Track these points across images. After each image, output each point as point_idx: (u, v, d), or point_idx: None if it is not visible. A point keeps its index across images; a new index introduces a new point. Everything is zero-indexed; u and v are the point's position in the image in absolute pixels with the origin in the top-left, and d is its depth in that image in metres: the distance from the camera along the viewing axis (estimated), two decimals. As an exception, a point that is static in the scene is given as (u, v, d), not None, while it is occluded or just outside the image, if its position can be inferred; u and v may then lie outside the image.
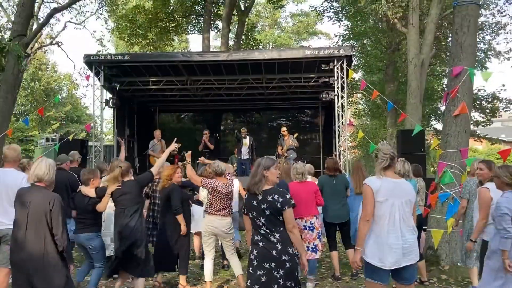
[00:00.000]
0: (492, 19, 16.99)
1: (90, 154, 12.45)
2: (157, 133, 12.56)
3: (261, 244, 3.61)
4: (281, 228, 3.62)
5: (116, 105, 12.25)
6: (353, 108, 26.38)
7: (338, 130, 11.16)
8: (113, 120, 13.27)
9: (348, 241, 6.59)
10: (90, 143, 12.81)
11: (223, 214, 5.55)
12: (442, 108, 11.55)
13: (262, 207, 3.61)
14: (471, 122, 20.47)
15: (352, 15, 18.21)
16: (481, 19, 18.05)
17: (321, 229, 6.20)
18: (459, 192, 6.23)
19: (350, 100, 23.08)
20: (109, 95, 12.41)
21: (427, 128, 20.27)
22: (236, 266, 5.69)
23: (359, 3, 12.47)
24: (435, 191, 6.92)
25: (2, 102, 11.25)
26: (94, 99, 11.78)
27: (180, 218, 5.61)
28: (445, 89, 9.99)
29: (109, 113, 49.50)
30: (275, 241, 3.58)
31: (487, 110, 19.87)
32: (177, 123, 17.58)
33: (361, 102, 26.90)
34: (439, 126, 18.45)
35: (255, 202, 3.66)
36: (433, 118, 21.35)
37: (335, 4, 19.89)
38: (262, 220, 3.61)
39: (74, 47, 44.79)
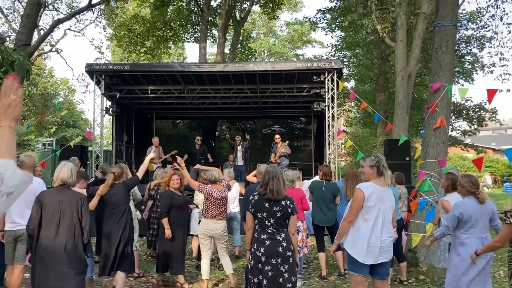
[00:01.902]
0: (478, 33, 17.64)
1: (90, 159, 12.92)
2: (155, 140, 13.02)
3: (267, 242, 4.09)
4: (285, 229, 4.18)
5: (115, 113, 12.70)
6: (345, 116, 26.97)
7: (329, 139, 11.70)
8: (112, 127, 13.72)
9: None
10: (90, 148, 13.27)
11: (218, 218, 6.06)
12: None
13: (274, 209, 4.12)
14: (459, 132, 21.25)
15: (345, 26, 18.80)
16: (469, 32, 18.76)
17: (308, 230, 6.77)
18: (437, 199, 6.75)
19: (342, 108, 23.66)
20: (108, 103, 12.87)
21: (416, 137, 20.84)
22: (228, 266, 6.18)
23: (349, 17, 13.01)
24: (415, 198, 7.46)
25: (6, 109, 11.66)
26: (94, 107, 12.23)
27: (165, 221, 6.04)
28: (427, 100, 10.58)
29: (105, 119, 49.64)
30: (281, 239, 4.10)
31: (474, 120, 20.50)
32: (173, 130, 18.06)
33: (353, 111, 27.50)
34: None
35: (267, 204, 4.14)
36: (421, 127, 21.93)
37: (328, 15, 20.47)
38: (271, 220, 4.11)
39: (72, 52, 45.46)
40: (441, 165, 7.23)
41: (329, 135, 11.70)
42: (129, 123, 15.03)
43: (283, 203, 4.16)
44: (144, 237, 8.69)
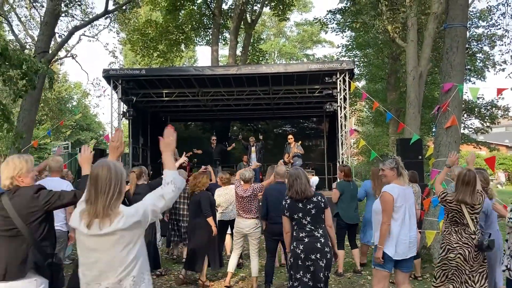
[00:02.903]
0: (489, 31, 17.67)
1: (107, 162, 13.22)
2: (170, 141, 13.27)
3: (306, 239, 4.31)
4: (323, 225, 4.40)
5: (132, 116, 13.01)
6: (356, 116, 27.06)
7: (341, 138, 11.88)
8: (129, 130, 14.03)
9: (353, 242, 7.38)
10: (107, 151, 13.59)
11: (247, 217, 6.32)
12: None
13: (308, 207, 4.35)
14: (471, 129, 21.24)
15: (355, 27, 18.93)
16: (479, 30, 18.79)
17: None
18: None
19: (354, 107, 23.76)
20: (125, 106, 13.17)
21: (429, 135, 20.88)
22: (254, 267, 6.40)
23: (361, 20, 13.17)
24: (429, 196, 7.62)
25: (27, 114, 12.06)
26: (112, 111, 12.55)
27: (210, 220, 6.32)
28: (438, 99, 10.72)
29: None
30: (319, 235, 4.33)
31: (486, 118, 20.51)
32: (187, 132, 18.35)
33: (365, 110, 27.58)
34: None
35: (300, 205, 4.37)
36: (433, 125, 21.97)
37: (338, 16, 20.59)
38: (308, 219, 4.34)
39: (84, 57, 46.22)
40: (453, 164, 7.38)
41: (341, 135, 11.89)
42: (144, 126, 15.36)
43: (314, 199, 4.39)
44: (164, 237, 8.94)
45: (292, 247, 4.39)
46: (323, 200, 4.43)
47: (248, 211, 6.35)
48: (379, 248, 4.44)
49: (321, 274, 4.27)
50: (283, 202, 4.51)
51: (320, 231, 4.36)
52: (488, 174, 4.93)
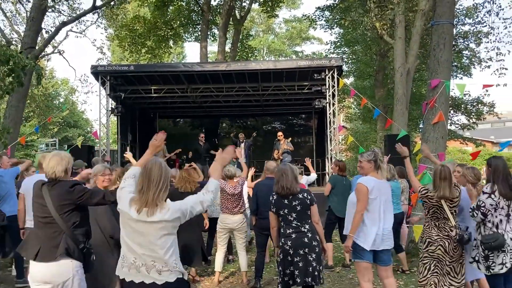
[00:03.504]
0: (475, 28, 17.88)
1: (96, 159, 13.16)
2: (159, 138, 13.23)
3: (293, 235, 4.35)
4: (309, 221, 4.43)
5: (121, 113, 12.95)
6: (345, 112, 27.22)
7: (330, 135, 11.97)
8: (117, 126, 13.96)
9: (344, 236, 7.41)
10: (96, 148, 13.52)
11: (234, 212, 6.35)
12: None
13: (293, 204, 4.38)
14: (457, 125, 21.50)
15: (343, 24, 19.01)
16: (466, 27, 18.99)
17: None
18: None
19: (342, 104, 23.89)
20: (113, 103, 13.10)
21: (415, 131, 21.09)
22: (243, 261, 6.43)
23: (349, 17, 13.26)
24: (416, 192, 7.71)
25: (14, 110, 11.93)
26: (100, 107, 12.49)
27: (205, 215, 6.41)
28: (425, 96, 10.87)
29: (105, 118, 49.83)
30: (306, 230, 4.37)
31: (472, 114, 20.76)
32: (176, 128, 18.31)
33: (353, 106, 27.75)
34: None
35: (286, 201, 4.40)
36: (421, 121, 22.21)
37: (326, 13, 20.65)
38: (294, 215, 4.38)
39: (71, 53, 45.55)
40: (440, 159, 7.48)
41: (330, 131, 11.97)
42: (133, 122, 15.30)
43: (300, 196, 4.42)
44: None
45: (280, 244, 4.45)
46: (309, 197, 4.45)
47: (235, 207, 6.38)
48: (349, 236, 4.53)
49: (311, 268, 4.31)
50: (270, 198, 4.56)
51: (307, 226, 4.39)
52: (479, 171, 5.03)
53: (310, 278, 4.30)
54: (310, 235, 4.37)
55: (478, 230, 4.48)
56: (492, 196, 4.36)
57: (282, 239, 4.42)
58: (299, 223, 4.38)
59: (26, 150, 27.31)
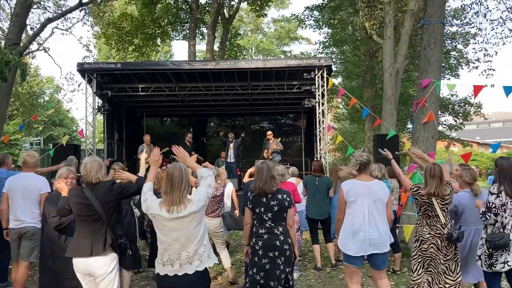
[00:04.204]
0: (463, 29, 18.02)
1: (82, 158, 12.94)
2: (147, 137, 13.07)
3: (265, 236, 4.24)
4: (283, 223, 4.32)
5: (107, 111, 12.74)
6: (333, 112, 27.25)
7: (319, 134, 11.92)
8: (104, 125, 13.74)
9: (328, 236, 7.36)
10: (82, 147, 13.31)
11: (213, 216, 6.24)
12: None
13: (271, 203, 4.27)
14: (445, 126, 21.65)
15: (332, 24, 19.01)
16: (454, 28, 19.12)
17: (300, 225, 7.04)
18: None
19: (330, 104, 23.90)
20: (99, 101, 12.87)
21: (403, 132, 21.19)
22: (226, 259, 6.37)
23: (339, 16, 13.22)
24: (406, 191, 7.68)
25: (-3, 108, 11.65)
26: (86, 105, 12.26)
27: None
28: (415, 95, 10.89)
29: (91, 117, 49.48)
30: (278, 233, 4.25)
31: (460, 114, 20.93)
32: (163, 127, 18.13)
33: (341, 106, 27.80)
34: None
35: (264, 199, 4.29)
36: (408, 121, 22.33)
37: (315, 12, 20.64)
38: (269, 215, 4.27)
39: (57, 51, 44.92)
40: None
41: (319, 131, 11.92)
42: (119, 121, 15.08)
43: (279, 196, 4.31)
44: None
45: (252, 243, 4.33)
46: (287, 199, 4.34)
47: (215, 209, 6.28)
48: (336, 238, 4.59)
49: (278, 271, 4.19)
50: (248, 194, 4.48)
51: (280, 229, 4.28)
52: (475, 171, 5.01)
53: (275, 282, 4.18)
54: (282, 238, 4.25)
55: (484, 230, 4.48)
56: (500, 196, 4.37)
57: (254, 239, 4.32)
58: (273, 224, 4.28)
59: (10, 149, 26.85)
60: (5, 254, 5.81)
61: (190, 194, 7.00)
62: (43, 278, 4.73)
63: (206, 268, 3.42)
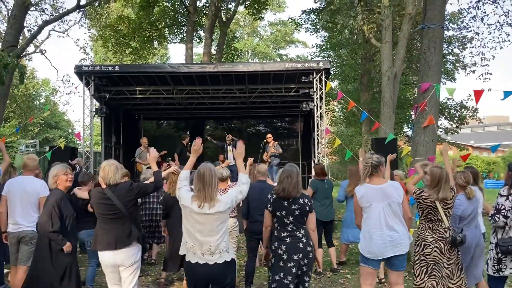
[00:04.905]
0: (459, 33, 18.10)
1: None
2: (144, 140, 13.03)
3: (288, 239, 4.21)
4: (304, 226, 4.30)
5: (105, 114, 12.67)
6: (329, 116, 27.29)
7: (317, 137, 11.91)
8: (101, 128, 13.66)
9: (330, 240, 7.36)
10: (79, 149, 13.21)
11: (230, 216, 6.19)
12: (413, 117, 12.44)
13: (292, 207, 4.24)
14: (441, 130, 21.73)
15: (329, 27, 19.06)
16: (450, 32, 19.20)
17: None
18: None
19: (327, 107, 23.95)
20: (97, 104, 12.80)
21: (399, 135, 21.25)
22: None
23: (341, 20, 13.24)
24: (406, 195, 7.68)
25: (-7, 110, 11.58)
26: (84, 108, 12.19)
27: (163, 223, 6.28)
28: (415, 99, 10.91)
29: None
30: (300, 235, 4.23)
31: (456, 118, 21.01)
32: (160, 130, 18.07)
33: (337, 110, 27.84)
34: (410, 133, 19.54)
35: (285, 203, 4.26)
36: (405, 125, 22.40)
37: (312, 16, 20.70)
38: (291, 218, 4.24)
39: (53, 53, 44.73)
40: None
41: (317, 134, 11.91)
42: (117, 124, 15.01)
43: (301, 201, 4.28)
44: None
45: (273, 248, 4.29)
46: (309, 204, 4.32)
47: (233, 210, 6.22)
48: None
49: (304, 274, 4.20)
50: (268, 196, 4.42)
51: (302, 231, 4.27)
52: (469, 175, 5.00)
53: (301, 286, 4.20)
54: (305, 241, 4.24)
55: (494, 234, 4.46)
56: (510, 198, 4.36)
57: (276, 243, 4.28)
58: (294, 227, 4.26)
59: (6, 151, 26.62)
60: (1, 257, 5.75)
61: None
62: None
63: (233, 259, 3.84)
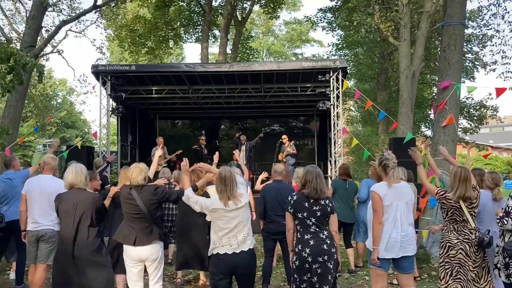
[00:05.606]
0: (479, 31, 17.78)
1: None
2: (160, 140, 13.05)
3: (312, 241, 4.12)
4: (327, 227, 4.23)
5: (121, 114, 12.73)
6: (346, 115, 27.08)
7: (334, 137, 11.78)
8: (117, 127, 13.73)
9: (348, 241, 7.26)
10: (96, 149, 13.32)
11: None
12: (432, 116, 12.22)
13: (314, 208, 4.17)
14: (460, 129, 21.38)
15: (345, 25, 18.89)
16: (469, 30, 18.88)
17: None
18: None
19: (343, 107, 23.77)
20: (113, 103, 12.86)
21: (417, 135, 20.96)
22: None
23: (358, 18, 13.10)
24: (425, 195, 7.55)
25: (12, 110, 11.72)
26: (100, 107, 12.26)
27: None
28: (435, 98, 10.71)
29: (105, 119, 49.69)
30: (324, 237, 4.15)
31: (475, 118, 20.63)
32: (175, 130, 18.11)
33: (353, 109, 27.60)
34: (429, 132, 19.27)
35: (306, 204, 4.19)
36: (422, 124, 22.09)
37: (328, 14, 20.54)
38: (313, 220, 4.16)
39: (69, 53, 45.34)
40: (450, 163, 7.32)
41: (334, 134, 11.79)
42: (133, 123, 15.07)
43: (322, 202, 4.21)
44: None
45: (297, 250, 4.19)
46: (330, 205, 4.25)
47: None
48: (374, 249, 4.36)
49: (330, 276, 4.11)
50: (289, 198, 4.34)
51: (325, 233, 4.19)
52: (499, 176, 4.88)
53: (328, 286, 4.09)
54: (329, 242, 4.15)
55: (501, 238, 4.33)
56: None
57: (299, 246, 4.17)
58: (318, 229, 4.17)
59: (23, 150, 27.07)
60: (22, 256, 5.79)
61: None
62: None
63: (253, 248, 4.19)
